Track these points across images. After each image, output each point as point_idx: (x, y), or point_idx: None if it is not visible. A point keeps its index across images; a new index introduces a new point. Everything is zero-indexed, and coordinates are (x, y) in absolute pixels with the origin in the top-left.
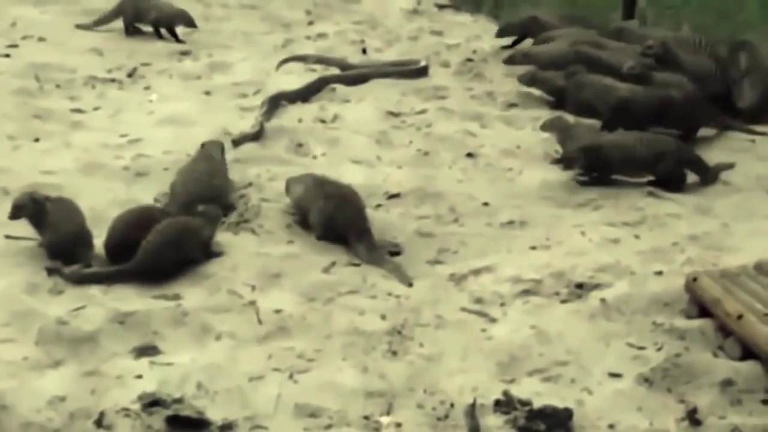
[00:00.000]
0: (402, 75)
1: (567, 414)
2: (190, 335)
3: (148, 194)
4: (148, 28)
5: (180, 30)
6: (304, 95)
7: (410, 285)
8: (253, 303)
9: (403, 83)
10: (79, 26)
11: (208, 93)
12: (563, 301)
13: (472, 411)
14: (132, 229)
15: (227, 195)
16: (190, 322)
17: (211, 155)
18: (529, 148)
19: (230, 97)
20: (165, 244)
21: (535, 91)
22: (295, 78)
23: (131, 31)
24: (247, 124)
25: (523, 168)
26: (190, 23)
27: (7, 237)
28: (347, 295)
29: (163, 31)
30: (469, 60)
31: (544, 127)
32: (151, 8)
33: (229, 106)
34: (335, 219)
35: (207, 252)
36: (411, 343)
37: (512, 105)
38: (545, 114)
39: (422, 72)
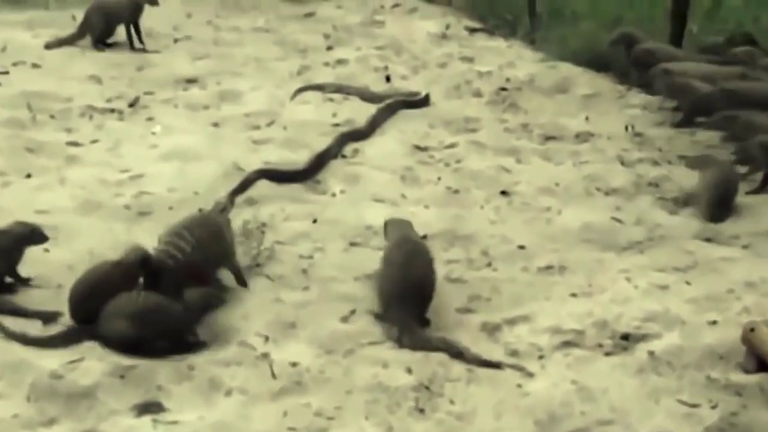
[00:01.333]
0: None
1: None
2: (197, 391)
3: (151, 235)
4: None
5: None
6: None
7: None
8: (266, 355)
9: (430, 114)
10: (48, 46)
11: (216, 125)
12: (607, 354)
13: None
14: (93, 294)
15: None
16: (197, 377)
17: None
18: (569, 186)
19: (241, 129)
20: (125, 320)
21: (573, 123)
22: (312, 108)
23: (101, 46)
24: (259, 158)
25: (562, 207)
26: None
27: None
28: (369, 346)
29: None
30: (503, 89)
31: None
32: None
33: (239, 138)
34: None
35: (182, 341)
36: (440, 399)
37: (550, 138)
38: (585, 148)
39: (424, 102)
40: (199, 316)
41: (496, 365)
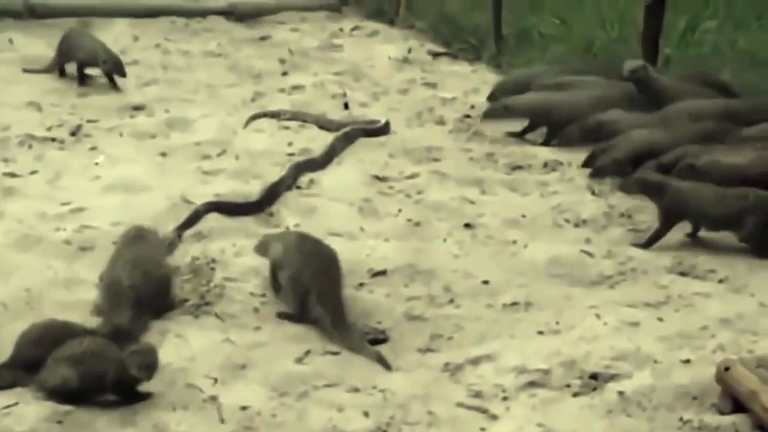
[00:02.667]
0: (362, 134)
1: None
2: None
3: (93, 272)
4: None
5: (135, 79)
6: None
7: (389, 368)
8: (214, 398)
9: (390, 142)
10: (27, 70)
11: (164, 154)
12: (575, 395)
13: None
14: (36, 347)
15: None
16: (140, 422)
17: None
18: (536, 217)
19: (190, 159)
20: (66, 365)
21: (541, 151)
22: (266, 137)
23: (62, 73)
24: (209, 189)
25: (528, 241)
26: (119, 71)
27: None
28: (324, 388)
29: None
30: (467, 116)
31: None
32: (80, 47)
33: (188, 169)
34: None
35: (126, 393)
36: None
37: (516, 168)
38: (554, 177)
39: (384, 130)
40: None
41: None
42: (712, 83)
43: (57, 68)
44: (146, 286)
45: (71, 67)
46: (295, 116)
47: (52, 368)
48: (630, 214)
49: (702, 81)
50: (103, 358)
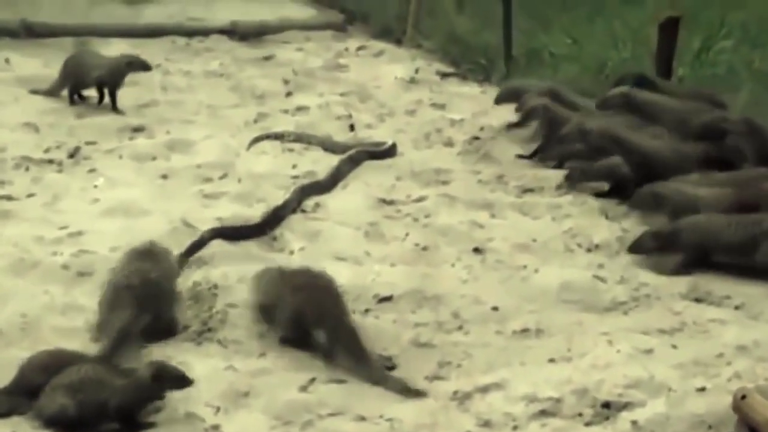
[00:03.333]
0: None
1: None
2: None
3: (91, 298)
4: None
5: (135, 100)
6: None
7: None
8: (216, 428)
9: (397, 165)
10: (34, 92)
11: (165, 177)
12: (587, 424)
13: None
14: (41, 375)
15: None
16: None
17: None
18: (548, 242)
19: (191, 182)
20: (64, 393)
21: (553, 174)
22: (270, 159)
23: (75, 99)
24: (211, 213)
25: (539, 265)
26: (144, 67)
27: None
28: (329, 417)
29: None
30: (476, 138)
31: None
32: (95, 66)
33: (190, 192)
34: (304, 313)
35: (126, 421)
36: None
37: (527, 191)
38: (566, 201)
39: (390, 153)
40: (153, 395)
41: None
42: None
43: (61, 91)
44: (149, 292)
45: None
46: (299, 138)
47: (49, 396)
48: None
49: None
50: (103, 385)
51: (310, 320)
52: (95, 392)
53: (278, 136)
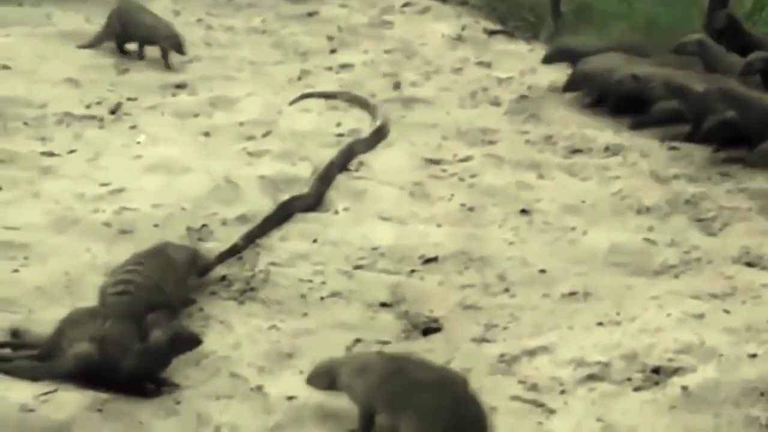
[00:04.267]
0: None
1: None
2: (183, 427)
3: None
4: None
5: (177, 56)
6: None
7: None
8: (260, 388)
9: (443, 124)
10: (81, 47)
11: (207, 134)
12: (636, 389)
13: None
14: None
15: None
16: (183, 411)
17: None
18: (596, 204)
19: (234, 140)
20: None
21: (601, 135)
22: (314, 117)
23: (123, 51)
24: (254, 171)
25: (588, 227)
26: (179, 48)
27: None
28: None
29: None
30: (524, 97)
31: None
32: (139, 24)
33: (232, 150)
34: None
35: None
36: None
37: (576, 151)
38: (615, 162)
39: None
40: (165, 359)
41: None
42: None
43: (104, 42)
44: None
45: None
46: (342, 96)
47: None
48: (695, 201)
49: None
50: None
51: None
52: (113, 350)
53: (322, 95)
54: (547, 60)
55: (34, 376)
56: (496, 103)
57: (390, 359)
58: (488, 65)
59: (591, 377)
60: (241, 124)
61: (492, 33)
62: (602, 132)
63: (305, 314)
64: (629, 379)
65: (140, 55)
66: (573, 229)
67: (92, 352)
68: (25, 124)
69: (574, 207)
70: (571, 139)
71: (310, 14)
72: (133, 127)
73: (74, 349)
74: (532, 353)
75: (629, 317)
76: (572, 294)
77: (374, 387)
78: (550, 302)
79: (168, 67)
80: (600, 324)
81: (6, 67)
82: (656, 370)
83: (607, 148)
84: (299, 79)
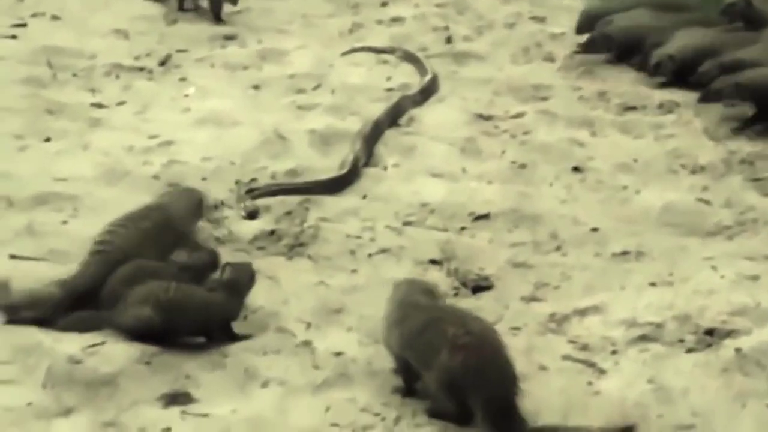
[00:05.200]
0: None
1: None
2: (230, 381)
3: None
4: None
5: (226, 8)
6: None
7: None
8: (307, 343)
9: (495, 79)
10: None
11: (256, 87)
12: (689, 351)
13: None
14: (123, 286)
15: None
16: (230, 365)
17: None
18: (650, 162)
19: (284, 93)
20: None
21: (656, 92)
22: (364, 71)
23: (186, 7)
24: (304, 125)
25: (641, 186)
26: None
27: (12, 257)
28: None
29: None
30: (578, 53)
31: None
32: None
33: (282, 103)
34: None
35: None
36: None
37: (629, 108)
38: (669, 120)
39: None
40: (244, 296)
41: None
42: None
43: None
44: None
45: None
46: (393, 50)
47: (134, 307)
48: (751, 160)
49: None
50: (191, 307)
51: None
52: (187, 312)
53: (373, 49)
54: (580, 31)
55: (83, 328)
56: (549, 58)
57: (426, 310)
58: (542, 20)
59: (643, 338)
60: (291, 77)
61: None
62: (656, 89)
63: (354, 270)
64: (681, 341)
65: (195, 6)
66: (625, 187)
67: (154, 317)
68: (75, 75)
69: (627, 165)
70: (624, 96)
71: None
72: (182, 80)
73: (135, 311)
74: (583, 313)
75: (682, 278)
76: (624, 253)
77: (406, 341)
78: (602, 261)
79: (218, 19)
80: (653, 284)
81: (56, 18)
82: (709, 332)
83: (661, 106)
84: (350, 32)
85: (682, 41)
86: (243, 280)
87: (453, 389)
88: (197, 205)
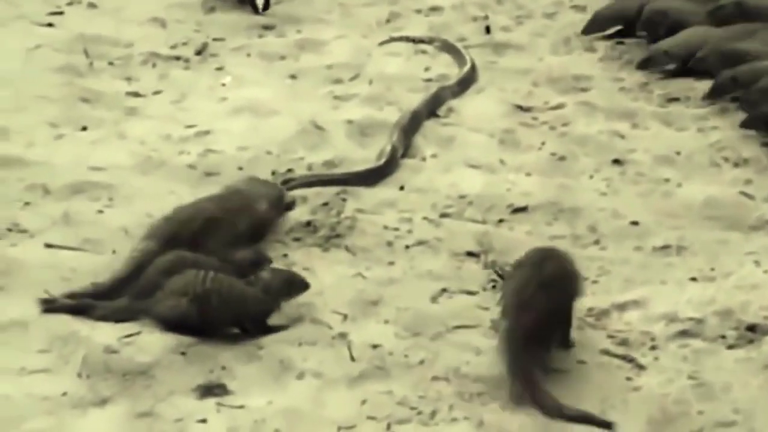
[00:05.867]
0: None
1: None
2: (266, 372)
3: None
4: None
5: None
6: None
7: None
8: (343, 335)
9: (535, 70)
10: None
11: (294, 77)
12: (730, 347)
13: None
14: (161, 277)
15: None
16: (266, 357)
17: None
18: (692, 155)
19: (321, 83)
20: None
21: (700, 83)
22: (403, 61)
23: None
24: (341, 115)
25: (683, 180)
26: None
27: (48, 246)
28: (460, 330)
29: None
30: (620, 43)
31: None
32: None
33: (319, 93)
34: None
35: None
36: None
37: (672, 100)
38: (712, 112)
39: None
40: (280, 300)
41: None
42: None
43: None
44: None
45: None
46: (432, 40)
47: (170, 299)
48: None
49: None
50: (233, 295)
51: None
52: (224, 303)
53: (412, 39)
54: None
55: (120, 317)
56: (590, 49)
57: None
58: (583, 9)
59: (683, 333)
60: (329, 67)
61: None
62: (699, 80)
63: (391, 262)
64: (723, 337)
65: (265, 7)
66: (667, 180)
67: (190, 308)
68: (111, 63)
69: (668, 158)
70: (667, 87)
71: None
72: (219, 69)
73: (172, 301)
74: (622, 307)
75: (724, 273)
76: (665, 248)
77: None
78: (642, 256)
79: (257, 10)
80: (694, 279)
81: (93, 6)
82: (751, 328)
83: (704, 98)
84: (388, 21)
85: (681, 38)
86: (278, 286)
87: None
88: (279, 198)
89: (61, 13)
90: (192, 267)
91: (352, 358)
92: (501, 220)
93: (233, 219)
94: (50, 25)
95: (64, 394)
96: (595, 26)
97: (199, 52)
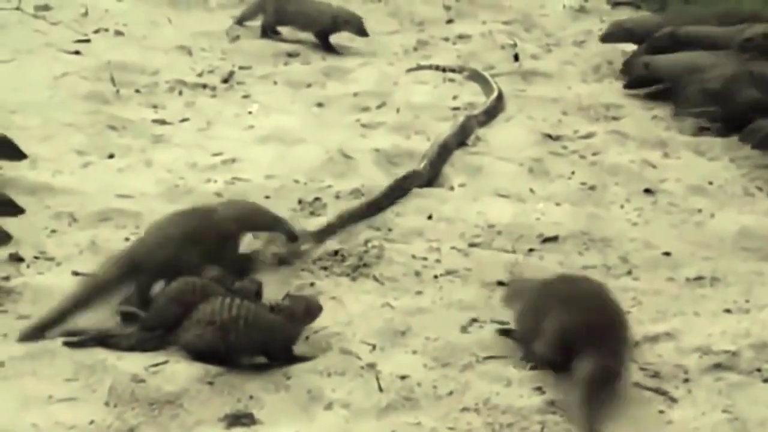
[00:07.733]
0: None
1: None
2: (293, 402)
3: None
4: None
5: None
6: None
7: None
8: (372, 366)
9: (564, 98)
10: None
11: (320, 104)
12: (766, 380)
13: None
14: (177, 306)
15: None
16: (294, 387)
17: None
18: (725, 185)
19: (348, 111)
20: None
21: None
22: (430, 89)
23: (269, 34)
24: (368, 143)
25: (716, 210)
26: (360, 31)
27: (75, 274)
28: (490, 360)
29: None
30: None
31: None
32: (299, 10)
33: (346, 121)
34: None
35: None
36: (570, 425)
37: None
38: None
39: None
40: (303, 326)
41: None
42: None
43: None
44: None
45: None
46: (461, 69)
47: (198, 329)
48: None
49: None
50: (258, 323)
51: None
52: (251, 330)
53: (440, 68)
54: (606, 39)
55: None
56: (620, 77)
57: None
58: None
59: (717, 366)
60: (355, 94)
61: (616, 4)
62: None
63: (419, 292)
64: (759, 370)
65: (328, 49)
66: (700, 211)
67: (218, 338)
68: (137, 91)
69: (701, 188)
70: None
71: None
72: (245, 97)
73: (198, 330)
74: (654, 339)
75: (759, 305)
76: (698, 279)
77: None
78: (675, 287)
79: (331, 50)
80: (728, 311)
81: (119, 33)
82: None
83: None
84: (415, 49)
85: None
86: (299, 312)
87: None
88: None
89: (87, 41)
90: (201, 293)
91: (380, 389)
92: (531, 250)
93: (199, 239)
94: (77, 53)
95: (92, 422)
96: (612, 37)
97: (225, 80)
